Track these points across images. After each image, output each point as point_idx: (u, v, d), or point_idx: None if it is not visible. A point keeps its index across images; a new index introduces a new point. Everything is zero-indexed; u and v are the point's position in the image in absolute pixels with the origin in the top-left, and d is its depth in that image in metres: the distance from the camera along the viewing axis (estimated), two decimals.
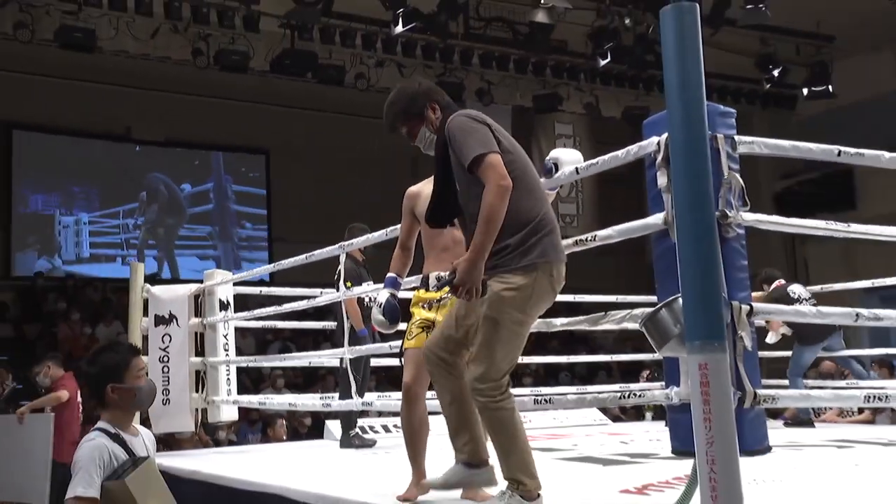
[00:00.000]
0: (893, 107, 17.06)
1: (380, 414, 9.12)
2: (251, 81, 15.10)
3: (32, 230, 17.56)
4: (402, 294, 4.03)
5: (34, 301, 16.37)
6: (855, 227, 4.56)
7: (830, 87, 16.49)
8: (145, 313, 7.52)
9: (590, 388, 9.28)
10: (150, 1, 12.57)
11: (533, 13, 14.00)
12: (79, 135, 17.64)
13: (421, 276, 4.01)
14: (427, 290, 3.88)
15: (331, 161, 18.63)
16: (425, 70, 15.23)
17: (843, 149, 4.21)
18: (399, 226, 4.30)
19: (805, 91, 16.65)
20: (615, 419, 10.44)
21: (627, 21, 14.37)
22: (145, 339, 7.49)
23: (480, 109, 14.95)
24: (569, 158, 4.23)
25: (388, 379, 12.56)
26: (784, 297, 7.48)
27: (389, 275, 3.93)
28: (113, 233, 18.25)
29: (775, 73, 16.23)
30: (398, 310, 3.80)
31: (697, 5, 2.94)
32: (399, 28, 13.27)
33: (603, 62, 15.32)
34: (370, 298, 7.07)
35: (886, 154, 4.50)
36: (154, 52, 13.49)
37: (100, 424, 3.50)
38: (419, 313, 3.90)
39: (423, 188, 3.92)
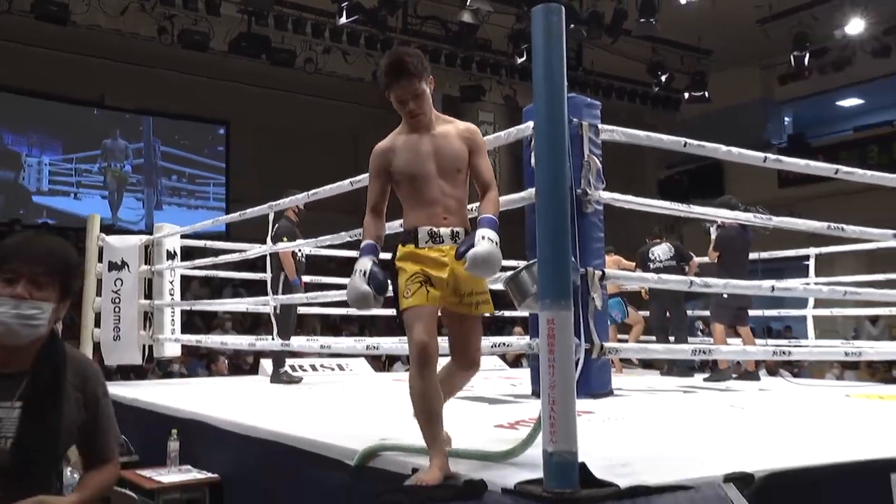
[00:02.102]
0: (757, 111, 17.61)
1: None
2: (212, 59, 14.73)
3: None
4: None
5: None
6: (696, 209, 4.70)
7: (707, 93, 16.91)
8: (100, 259, 7.32)
9: None
10: None
11: (461, 14, 14.10)
12: (53, 98, 17.00)
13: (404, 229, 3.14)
14: (417, 246, 2.95)
15: (281, 134, 18.42)
16: (367, 58, 15.16)
17: (688, 141, 4.27)
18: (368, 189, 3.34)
19: (686, 95, 17.04)
20: (513, 365, 10.50)
21: None
22: (99, 282, 7.31)
23: None
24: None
25: (325, 326, 12.58)
26: (643, 257, 7.78)
27: (367, 241, 3.01)
28: (68, 174, 17.69)
29: (663, 78, 16.59)
30: (385, 279, 2.89)
31: (563, 7, 2.91)
32: (343, 20, 13.21)
33: (520, 60, 15.49)
34: (302, 253, 7.04)
35: (723, 147, 4.57)
36: (124, 27, 13.20)
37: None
38: (409, 268, 2.96)
39: (395, 141, 3.03)
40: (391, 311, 3.09)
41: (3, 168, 16.80)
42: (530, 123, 3.73)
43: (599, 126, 3.81)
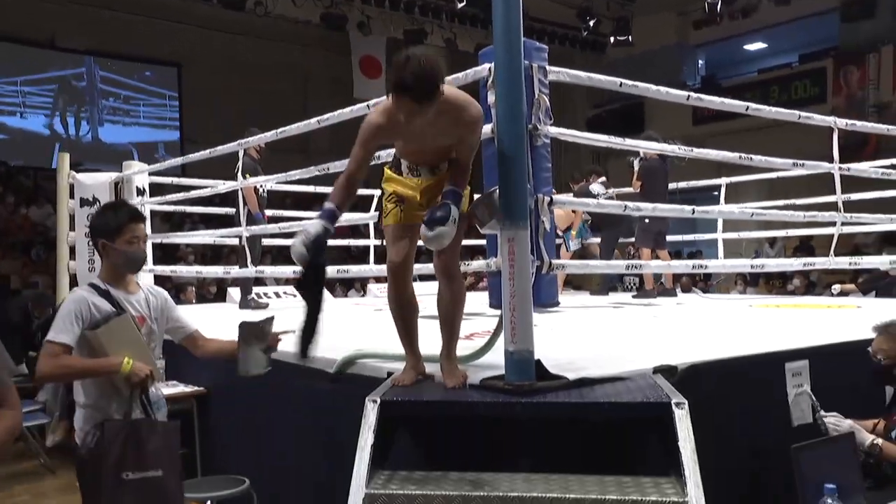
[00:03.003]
0: (674, 54, 17.79)
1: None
2: (166, 2, 14.19)
3: None
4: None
5: None
6: (628, 141, 4.80)
7: (630, 38, 16.85)
8: (71, 196, 7.20)
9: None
10: None
11: None
12: (6, 39, 16.12)
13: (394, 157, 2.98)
14: (400, 174, 2.89)
15: (233, 75, 17.90)
16: (315, 3, 14.67)
17: (624, 81, 4.31)
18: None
19: (612, 39, 16.98)
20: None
21: None
22: (72, 217, 7.20)
23: (361, 39, 14.67)
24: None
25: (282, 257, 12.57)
26: (586, 193, 7.73)
27: (328, 205, 2.70)
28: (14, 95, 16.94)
29: (591, 23, 16.43)
30: (324, 249, 2.61)
31: None
32: None
33: (460, 5, 15.33)
34: (263, 188, 7.00)
35: (653, 87, 4.63)
36: None
37: (93, 279, 3.09)
38: (388, 187, 2.91)
39: (390, 120, 2.70)
40: None
41: None
42: (486, 66, 3.72)
43: (547, 68, 3.84)
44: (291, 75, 18.51)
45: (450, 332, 2.97)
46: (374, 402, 2.66)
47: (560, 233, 7.77)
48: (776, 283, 11.44)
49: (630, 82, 4.34)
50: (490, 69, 3.47)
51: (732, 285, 11.66)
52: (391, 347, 3.26)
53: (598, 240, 8.04)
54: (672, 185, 7.68)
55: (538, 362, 2.87)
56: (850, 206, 6.30)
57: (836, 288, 9.15)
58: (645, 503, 2.40)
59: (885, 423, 3.44)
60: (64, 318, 2.87)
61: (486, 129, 3.48)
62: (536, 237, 3.55)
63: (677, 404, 2.59)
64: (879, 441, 3.28)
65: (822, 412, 3.39)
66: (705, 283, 11.81)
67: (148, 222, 7.47)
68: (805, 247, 12.01)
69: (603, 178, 8.20)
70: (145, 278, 7.38)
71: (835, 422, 3.34)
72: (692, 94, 4.76)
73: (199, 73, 18.06)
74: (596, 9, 16.43)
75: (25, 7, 15.45)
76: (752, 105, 5.21)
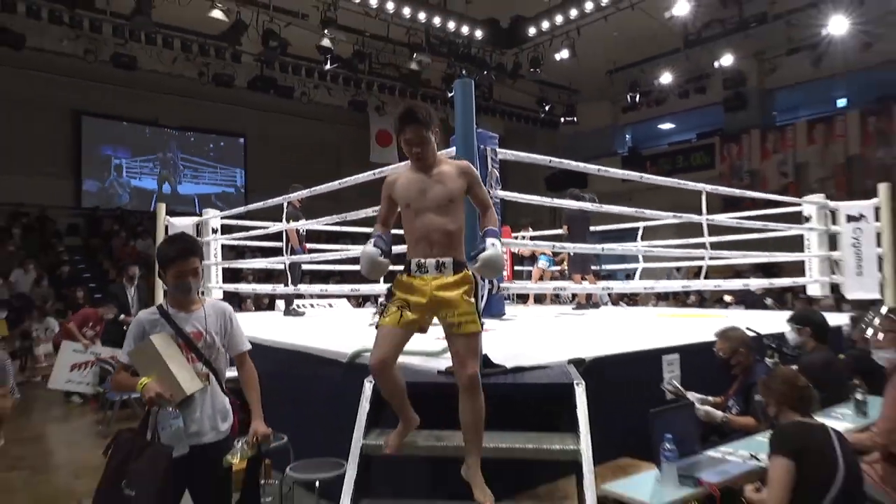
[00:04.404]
0: (608, 131, 18.01)
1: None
2: (236, 93, 14.45)
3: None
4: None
5: (97, 224, 15.46)
6: (557, 201, 4.75)
7: (576, 119, 17.01)
8: (166, 233, 7.29)
9: None
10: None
11: (410, 63, 14.07)
12: (127, 120, 16.60)
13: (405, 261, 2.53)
14: (409, 274, 2.44)
15: (283, 145, 18.15)
16: (344, 92, 14.93)
17: (553, 159, 4.26)
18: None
19: (563, 120, 17.07)
20: None
21: (463, 72, 14.62)
22: None
23: (377, 118, 14.90)
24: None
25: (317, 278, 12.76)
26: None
27: (376, 233, 2.54)
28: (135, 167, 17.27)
29: (546, 108, 16.65)
30: (390, 246, 2.51)
31: (472, 80, 3.22)
32: (327, 66, 13.05)
33: (451, 94, 15.42)
34: (303, 230, 6.90)
35: (573, 162, 4.60)
36: (174, 71, 12.92)
37: (160, 301, 2.73)
38: (397, 292, 2.45)
39: (399, 177, 2.52)
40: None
41: (100, 168, 16.40)
42: (453, 149, 3.69)
43: (497, 149, 3.77)
44: (326, 145, 18.76)
45: (476, 446, 2.44)
46: (371, 382, 2.76)
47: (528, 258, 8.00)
48: (680, 298, 11.51)
49: (556, 160, 4.29)
50: (454, 151, 3.52)
51: (651, 300, 11.77)
52: None
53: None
54: (607, 227, 7.61)
55: (485, 356, 2.94)
56: (737, 245, 6.27)
57: (728, 298, 9.30)
58: (551, 451, 2.56)
59: (724, 399, 3.64)
60: (126, 339, 2.57)
61: None
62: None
63: (577, 384, 2.72)
64: (728, 416, 3.48)
65: (678, 386, 3.52)
66: (630, 298, 11.89)
67: (219, 251, 7.61)
68: (699, 273, 12.09)
69: (530, 230, 8.55)
70: (215, 293, 7.37)
71: (697, 400, 3.52)
72: (601, 167, 4.61)
73: (258, 142, 18.25)
74: (550, 97, 16.72)
75: (138, 98, 15.81)
76: (645, 175, 5.18)
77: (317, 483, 3.13)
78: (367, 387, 2.79)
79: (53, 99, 14.90)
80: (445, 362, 3.01)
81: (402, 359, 2.77)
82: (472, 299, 2.39)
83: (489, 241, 2.40)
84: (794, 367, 3.29)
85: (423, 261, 2.40)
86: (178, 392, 2.41)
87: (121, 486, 2.31)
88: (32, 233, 14.02)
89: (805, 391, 2.51)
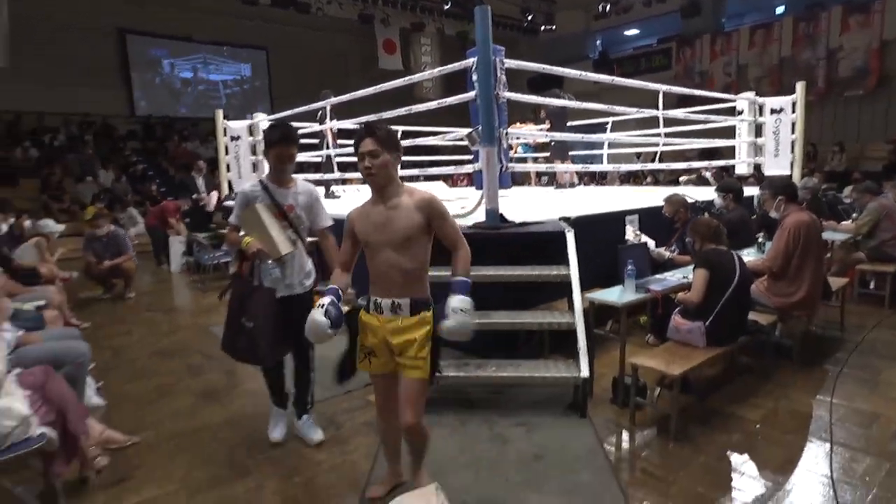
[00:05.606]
0: (582, 37, 17.47)
1: None
2: (259, 10, 13.84)
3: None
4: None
5: (151, 130, 15.34)
6: (541, 98, 4.74)
7: (554, 27, 16.47)
8: (224, 134, 7.19)
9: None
10: None
11: None
12: (163, 36, 15.87)
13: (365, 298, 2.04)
14: (368, 312, 1.99)
15: (301, 54, 17.50)
16: (352, 6, 14.34)
17: (543, 66, 4.15)
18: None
19: (543, 28, 16.58)
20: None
21: None
22: (226, 147, 7.19)
23: (383, 29, 14.50)
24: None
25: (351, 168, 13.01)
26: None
27: (331, 286, 2.00)
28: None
29: (529, 17, 16.12)
30: (341, 317, 1.93)
31: (489, 7, 3.46)
32: None
33: (446, 7, 15.08)
34: (335, 128, 6.61)
35: (557, 68, 4.35)
36: None
37: (262, 176, 2.64)
38: (362, 337, 2.01)
39: (361, 212, 1.98)
40: None
41: (148, 78, 15.85)
42: (472, 59, 3.56)
43: (504, 60, 3.70)
44: (335, 54, 18.24)
45: (418, 466, 2.16)
46: None
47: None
48: (639, 180, 11.77)
49: (544, 66, 4.20)
50: (474, 62, 3.53)
51: (615, 182, 12.16)
52: None
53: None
54: (582, 122, 7.43)
55: (501, 214, 3.40)
56: (686, 135, 6.26)
57: (683, 178, 9.64)
58: (549, 275, 3.14)
59: (667, 246, 4.26)
60: (234, 208, 2.54)
61: (471, 94, 3.59)
62: (500, 152, 3.56)
63: (567, 231, 3.30)
64: (672, 255, 4.09)
65: (638, 232, 4.02)
66: (599, 180, 12.06)
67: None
68: (653, 157, 12.37)
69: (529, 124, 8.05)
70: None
71: (650, 245, 4.11)
72: (581, 72, 4.45)
73: (278, 55, 17.66)
74: (532, 7, 16.18)
75: (169, 15, 15.15)
76: (616, 79, 5.01)
77: None
78: None
79: (100, 20, 14.32)
80: (473, 220, 3.45)
81: None
82: (429, 343, 1.91)
83: (454, 302, 1.82)
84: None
85: (378, 301, 1.95)
86: (275, 251, 2.42)
87: (241, 320, 2.41)
88: (101, 139, 14.07)
89: (718, 229, 3.08)
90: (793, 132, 5.91)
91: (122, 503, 2.30)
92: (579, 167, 5.73)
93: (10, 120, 13.05)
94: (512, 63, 3.82)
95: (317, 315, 1.88)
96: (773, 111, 5.97)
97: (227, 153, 7.24)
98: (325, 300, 1.92)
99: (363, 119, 5.45)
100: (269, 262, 2.49)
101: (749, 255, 3.84)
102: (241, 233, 2.54)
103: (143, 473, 2.51)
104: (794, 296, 3.41)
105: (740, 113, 6.42)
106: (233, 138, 7.20)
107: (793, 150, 5.90)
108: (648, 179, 11.41)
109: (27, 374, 2.21)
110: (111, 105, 14.91)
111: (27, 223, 5.80)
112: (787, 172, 5.91)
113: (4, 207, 5.81)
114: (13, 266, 4.17)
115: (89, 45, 14.30)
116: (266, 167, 7.06)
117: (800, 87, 5.88)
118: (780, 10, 14.09)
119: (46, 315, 3.46)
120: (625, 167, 5.79)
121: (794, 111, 5.89)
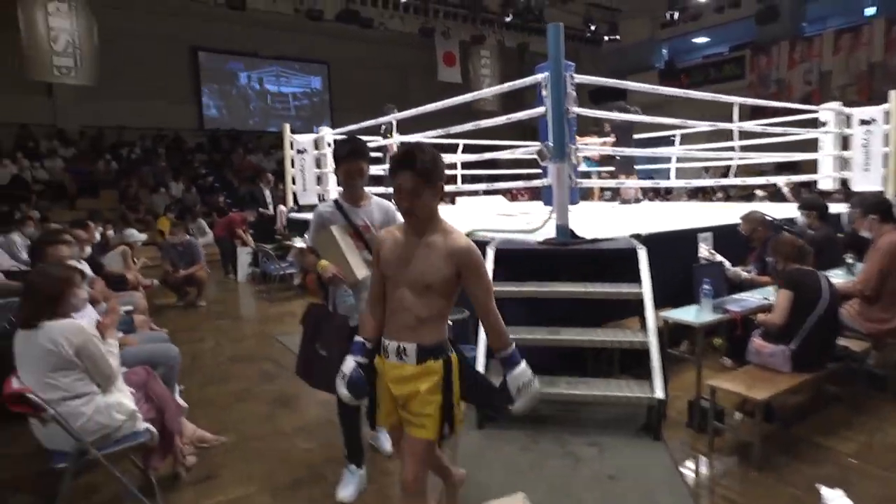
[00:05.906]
0: (647, 46, 17.15)
1: None
2: (324, 26, 14.50)
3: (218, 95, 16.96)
4: None
5: (218, 143, 16.17)
6: (605, 113, 4.78)
7: (618, 36, 16.31)
8: (291, 147, 7.41)
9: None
10: None
11: None
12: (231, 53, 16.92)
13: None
14: (387, 357, 1.74)
15: (361, 68, 18.06)
16: (415, 20, 14.80)
17: (606, 80, 4.14)
18: None
19: (606, 38, 16.45)
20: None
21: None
22: (292, 160, 7.38)
23: (443, 41, 14.78)
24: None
25: None
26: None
27: (357, 339, 1.80)
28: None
29: (592, 28, 16.05)
30: (364, 385, 1.75)
31: (561, 24, 3.53)
32: None
33: (507, 20, 15.33)
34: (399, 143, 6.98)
35: (620, 82, 4.31)
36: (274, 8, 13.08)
37: (337, 195, 2.53)
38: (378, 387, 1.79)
39: (391, 237, 1.75)
40: None
41: (217, 93, 16.88)
42: (543, 74, 3.59)
43: (574, 76, 3.67)
44: (395, 69, 18.68)
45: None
46: (493, 249, 3.37)
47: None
48: (709, 194, 11.54)
49: (609, 80, 4.17)
50: (545, 77, 3.58)
51: (682, 197, 11.83)
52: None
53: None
54: (645, 135, 7.37)
55: (572, 230, 3.44)
56: (761, 148, 6.10)
57: (760, 193, 9.24)
58: (620, 293, 3.16)
59: (743, 266, 4.14)
60: (310, 228, 2.47)
61: (540, 109, 3.61)
62: (571, 169, 3.62)
63: (640, 249, 3.31)
64: (750, 276, 4.00)
65: (713, 251, 3.96)
66: (664, 195, 11.96)
67: (330, 160, 7.13)
68: (726, 173, 11.97)
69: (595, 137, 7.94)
70: (333, 194, 7.12)
71: (726, 265, 4.02)
72: (643, 84, 4.37)
73: (339, 69, 18.22)
74: (595, 18, 16.10)
75: (236, 32, 16.01)
76: (688, 91, 4.93)
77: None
78: (489, 252, 3.40)
79: (174, 38, 15.35)
80: (543, 235, 3.51)
81: (503, 235, 3.09)
82: (438, 396, 1.67)
83: (516, 380, 1.66)
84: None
85: (386, 343, 1.74)
86: (351, 276, 2.33)
87: (315, 347, 2.32)
88: (172, 152, 15.03)
89: (802, 248, 3.00)
90: (885, 145, 5.64)
91: (210, 500, 2.46)
92: (647, 182, 5.65)
93: (93, 135, 14.18)
94: (580, 78, 3.82)
95: (339, 387, 1.72)
96: (862, 122, 5.72)
97: (293, 165, 7.39)
98: (348, 366, 1.73)
99: (428, 134, 5.58)
100: (344, 287, 2.39)
101: (837, 277, 3.70)
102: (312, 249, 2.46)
103: (227, 473, 2.69)
104: (889, 322, 3.26)
105: (824, 124, 6.17)
106: (299, 151, 7.36)
107: (885, 165, 5.62)
108: (719, 195, 11.06)
109: (131, 373, 2.43)
110: (182, 118, 15.91)
111: (111, 232, 6.31)
112: (879, 188, 5.64)
113: (95, 218, 6.34)
114: (104, 273, 4.54)
115: (164, 62, 15.35)
116: (331, 180, 7.61)
117: (893, 95, 5.61)
118: (869, 11, 13.36)
119: (136, 319, 3.76)
120: (695, 182, 5.67)
121: (886, 122, 5.62)
